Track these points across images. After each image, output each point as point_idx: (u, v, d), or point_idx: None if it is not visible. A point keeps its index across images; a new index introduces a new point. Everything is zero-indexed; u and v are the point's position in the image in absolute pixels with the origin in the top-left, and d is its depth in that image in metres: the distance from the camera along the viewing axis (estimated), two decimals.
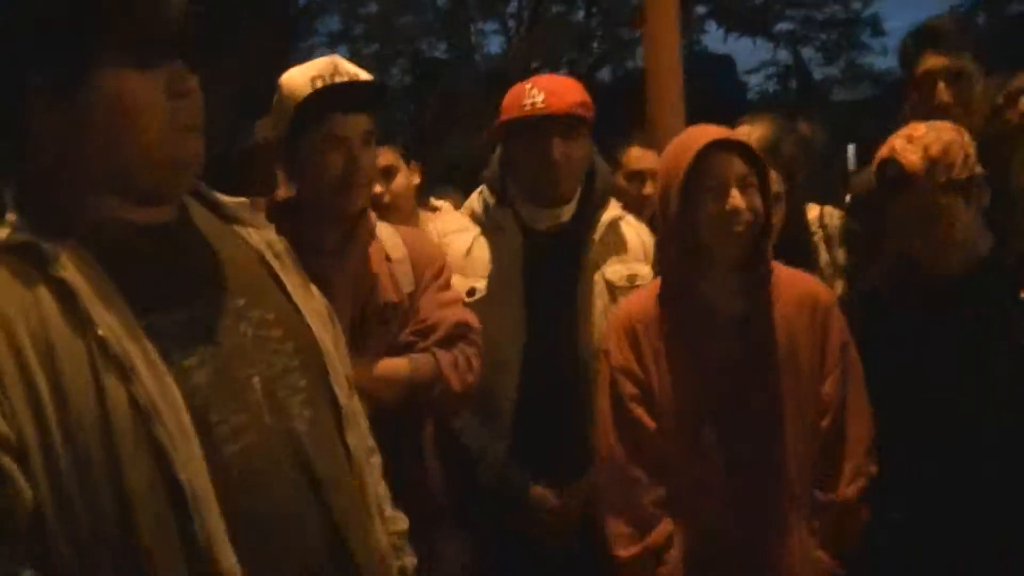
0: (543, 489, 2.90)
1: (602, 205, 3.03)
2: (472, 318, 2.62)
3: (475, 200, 3.09)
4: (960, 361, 2.58)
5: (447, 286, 2.67)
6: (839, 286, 3.60)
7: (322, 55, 2.50)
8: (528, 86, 2.88)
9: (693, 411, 2.49)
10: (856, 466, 2.49)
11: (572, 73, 18.78)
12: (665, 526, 2.49)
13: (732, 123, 3.98)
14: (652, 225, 3.14)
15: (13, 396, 1.29)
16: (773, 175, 2.60)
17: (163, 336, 1.40)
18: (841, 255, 3.91)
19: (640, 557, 2.48)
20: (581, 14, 20.92)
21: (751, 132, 3.33)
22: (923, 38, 3.11)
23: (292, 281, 1.68)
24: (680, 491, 2.50)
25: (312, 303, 1.71)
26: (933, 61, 3.07)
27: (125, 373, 1.34)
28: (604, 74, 21.39)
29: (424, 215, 3.61)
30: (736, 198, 2.41)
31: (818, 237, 4.14)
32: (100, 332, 1.34)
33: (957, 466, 2.54)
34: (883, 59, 21.91)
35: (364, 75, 2.46)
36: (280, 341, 1.56)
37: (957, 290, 2.62)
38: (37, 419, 1.30)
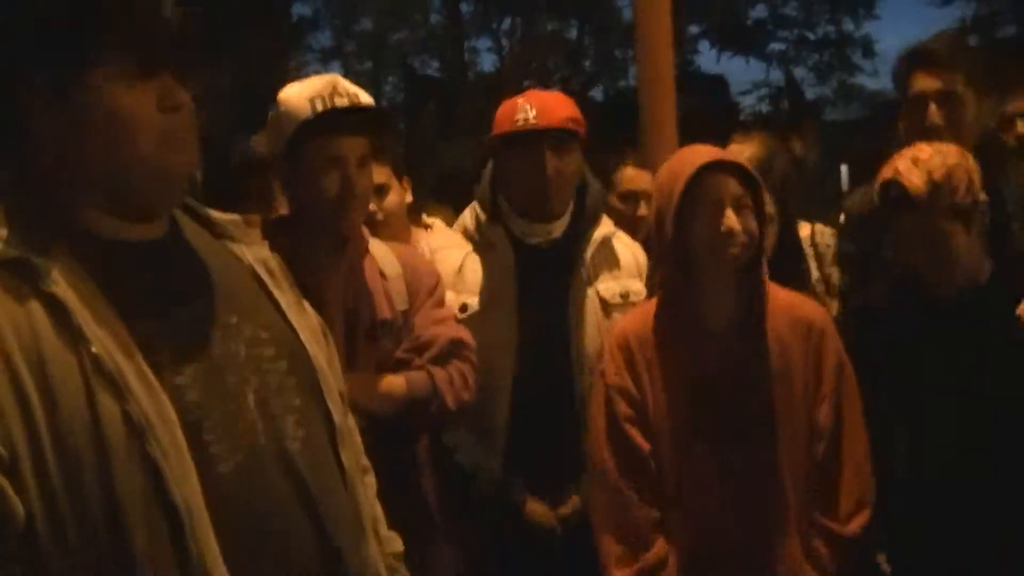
0: (538, 502, 2.89)
1: (594, 222, 3.04)
2: (467, 335, 2.62)
3: (467, 217, 3.10)
4: (957, 382, 2.57)
5: (441, 303, 2.67)
6: (833, 306, 3.61)
7: (315, 71, 2.50)
8: (520, 101, 2.89)
9: (687, 431, 2.48)
10: (858, 498, 2.49)
11: (565, 91, 18.81)
12: (660, 546, 2.48)
13: (724, 143, 3.99)
14: (646, 245, 3.14)
15: (6, 411, 1.28)
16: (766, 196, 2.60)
17: (156, 353, 1.39)
18: (834, 274, 3.92)
19: None
20: (574, 32, 21.01)
21: (742, 150, 3.34)
22: (916, 59, 3.12)
23: (286, 299, 1.67)
24: (674, 510, 2.49)
25: (306, 320, 1.70)
26: (925, 82, 3.07)
27: (119, 390, 1.33)
28: (596, 92, 21.47)
29: (416, 232, 3.61)
30: (731, 219, 2.41)
31: (809, 255, 4.15)
32: (93, 348, 1.33)
33: (956, 484, 2.53)
34: (874, 79, 22.02)
35: (364, 96, 2.45)
36: (274, 359, 1.56)
37: (956, 312, 2.62)
38: (29, 435, 1.28)
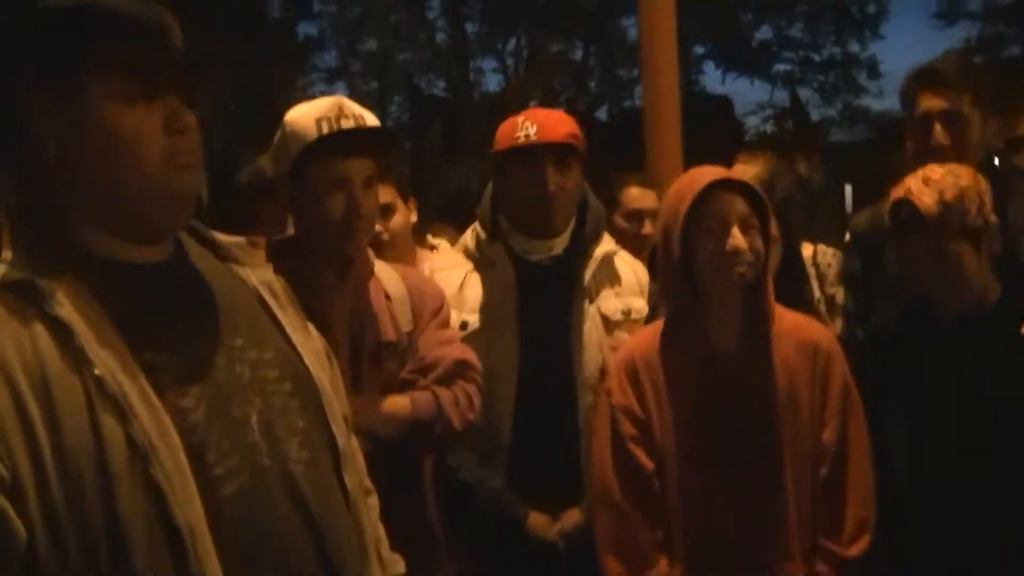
0: (540, 515, 2.88)
1: (595, 239, 3.04)
2: (472, 356, 2.61)
3: (468, 236, 3.11)
4: (964, 403, 2.56)
5: (446, 324, 2.67)
6: (836, 325, 3.61)
7: (320, 91, 2.51)
8: (521, 119, 2.91)
9: (692, 451, 2.48)
10: (860, 521, 2.48)
11: (570, 110, 18.86)
12: (663, 566, 2.47)
13: (729, 163, 4.01)
14: (650, 263, 3.14)
15: (8, 433, 1.28)
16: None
17: (160, 375, 1.39)
18: (838, 293, 3.92)
19: None
20: (580, 53, 21.06)
21: (747, 171, 3.34)
22: (923, 79, 3.13)
23: (290, 321, 1.66)
24: (678, 531, 2.49)
25: (310, 343, 1.70)
26: (931, 102, 3.08)
27: (122, 412, 1.32)
28: (601, 112, 21.53)
29: (422, 252, 3.61)
30: (737, 238, 2.41)
31: (811, 275, 4.16)
32: (97, 371, 1.33)
33: (960, 503, 2.53)
34: (879, 100, 22.07)
35: (370, 118, 2.46)
36: (277, 381, 1.55)
37: (964, 333, 2.61)
38: (32, 457, 1.28)
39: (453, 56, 20.51)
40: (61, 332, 1.34)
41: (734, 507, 2.45)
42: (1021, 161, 3.49)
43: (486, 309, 2.93)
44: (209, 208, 1.54)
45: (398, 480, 2.26)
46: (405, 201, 3.51)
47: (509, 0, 20.00)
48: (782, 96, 22.41)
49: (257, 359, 1.54)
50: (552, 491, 2.90)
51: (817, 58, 22.41)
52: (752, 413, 2.47)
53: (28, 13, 1.46)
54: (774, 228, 2.72)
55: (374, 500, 1.84)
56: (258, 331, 1.58)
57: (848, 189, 12.70)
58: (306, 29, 20.53)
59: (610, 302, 3.01)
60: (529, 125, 2.87)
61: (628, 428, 2.52)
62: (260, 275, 1.68)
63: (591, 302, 2.99)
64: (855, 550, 2.46)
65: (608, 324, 2.98)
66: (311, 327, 1.75)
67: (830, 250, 4.35)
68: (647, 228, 3.95)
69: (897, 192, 2.60)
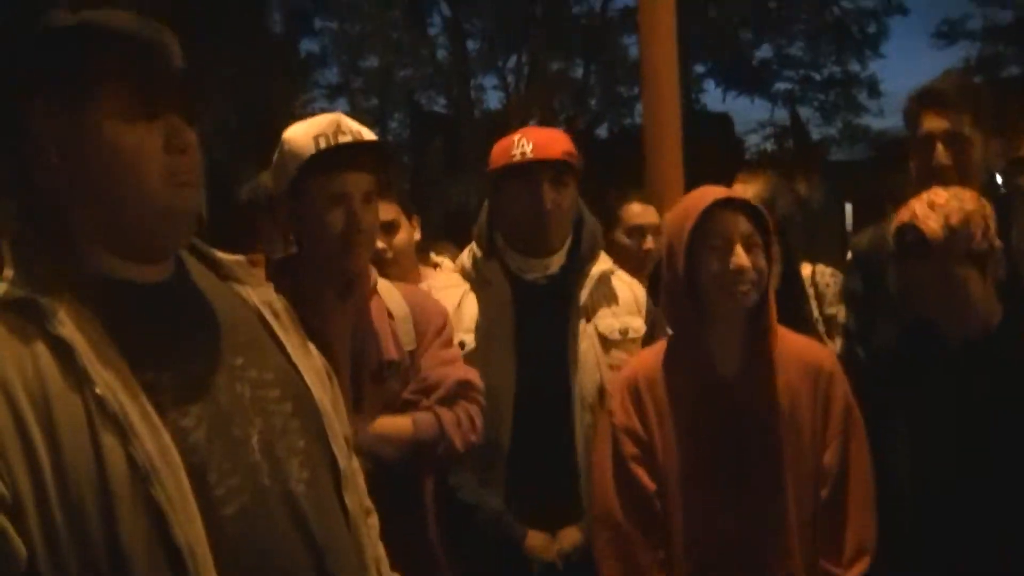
0: (539, 534, 2.87)
1: (591, 257, 3.03)
2: (474, 376, 2.60)
3: (465, 255, 3.10)
4: (966, 427, 2.56)
5: (449, 343, 2.66)
6: (836, 344, 3.60)
7: (321, 108, 2.51)
8: (517, 137, 2.91)
9: (694, 472, 2.47)
10: (860, 543, 2.47)
11: (570, 128, 18.92)
12: None
13: (729, 181, 4.01)
14: (653, 281, 3.14)
15: (9, 452, 1.27)
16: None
17: (161, 395, 1.39)
18: (840, 312, 3.92)
19: None
20: (580, 71, 21.11)
21: (746, 190, 3.34)
22: (925, 99, 3.13)
23: (291, 341, 1.66)
24: (679, 551, 2.48)
25: (310, 362, 1.70)
26: (933, 123, 3.08)
27: (123, 431, 1.32)
28: (602, 130, 21.57)
29: (425, 270, 3.60)
30: (740, 256, 2.41)
31: (809, 295, 4.16)
32: (98, 390, 1.32)
33: (963, 528, 2.52)
34: (880, 119, 22.11)
35: (367, 134, 2.46)
36: (278, 401, 1.55)
37: (967, 357, 2.61)
38: (33, 476, 1.28)
39: (454, 73, 20.56)
40: (62, 351, 1.33)
41: (735, 527, 2.45)
42: (1022, 183, 3.49)
43: (482, 328, 2.92)
44: (210, 225, 1.53)
45: (399, 500, 2.25)
46: (409, 219, 3.50)
47: (510, 18, 20.07)
48: (783, 115, 22.48)
49: (258, 379, 1.54)
50: (550, 510, 2.88)
51: (817, 77, 22.48)
52: (754, 434, 2.47)
53: (30, 32, 1.46)
54: (774, 246, 2.72)
55: (374, 520, 1.83)
56: (259, 351, 1.58)
57: (848, 208, 12.73)
58: (308, 46, 20.60)
59: (607, 321, 2.99)
60: (525, 143, 2.87)
61: (630, 448, 2.51)
62: (261, 294, 1.68)
63: (588, 321, 2.97)
64: (855, 572, 2.46)
65: (605, 343, 2.97)
66: (312, 346, 1.75)
67: (828, 270, 4.36)
68: (649, 244, 3.96)
69: (902, 216, 2.60)
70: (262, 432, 1.50)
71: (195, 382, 1.45)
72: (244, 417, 1.48)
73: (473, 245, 3.07)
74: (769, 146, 22.35)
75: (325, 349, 1.83)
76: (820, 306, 4.27)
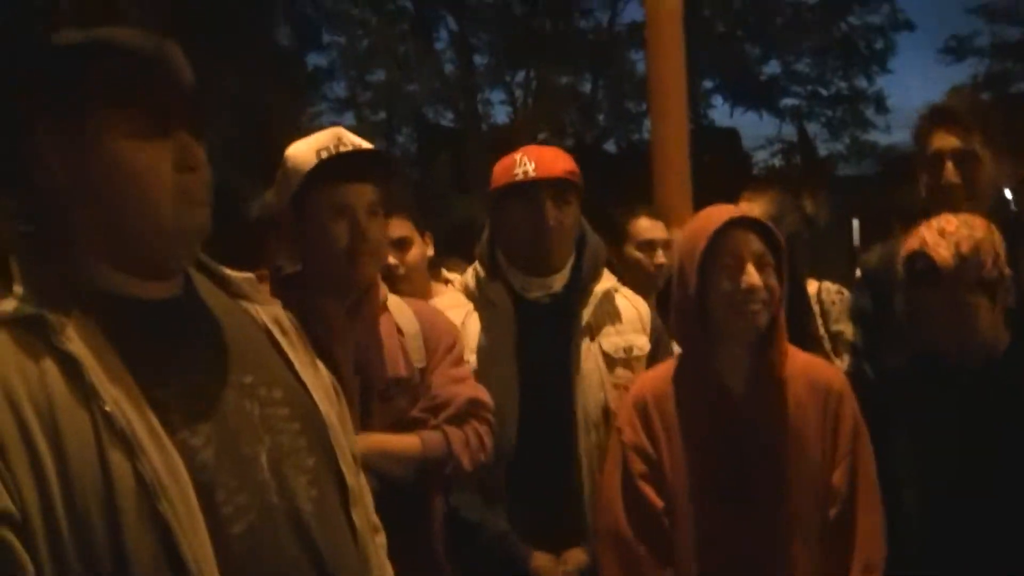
0: (543, 555, 2.85)
1: (594, 276, 3.02)
2: (484, 395, 2.59)
3: (468, 275, 3.09)
4: (970, 452, 2.55)
5: (460, 361, 2.64)
6: (841, 361, 3.59)
7: (329, 121, 2.50)
8: (518, 156, 2.90)
9: (702, 490, 2.47)
10: (867, 563, 2.46)
11: (578, 143, 18.94)
12: None
13: (736, 196, 4.01)
14: (663, 298, 3.12)
15: (17, 469, 1.27)
16: None
17: (169, 412, 1.39)
18: (846, 330, 3.91)
19: None
20: (588, 86, 21.13)
21: (752, 208, 3.34)
22: (936, 117, 3.13)
23: (298, 358, 1.66)
24: (687, 570, 2.47)
25: (318, 380, 1.69)
26: (943, 140, 3.08)
27: (131, 448, 1.32)
28: (610, 145, 21.59)
29: (437, 287, 3.60)
30: (752, 275, 2.41)
31: (816, 312, 4.15)
32: (106, 407, 1.32)
33: (969, 552, 2.51)
34: (887, 135, 22.10)
35: (368, 146, 2.45)
36: (287, 419, 1.55)
37: (972, 383, 2.61)
38: (40, 492, 1.28)
39: (461, 87, 20.58)
40: (70, 367, 1.33)
41: (743, 546, 2.44)
42: None
43: (486, 348, 2.90)
44: (219, 241, 1.53)
45: (406, 518, 2.24)
46: (421, 235, 3.50)
47: (517, 32, 20.10)
48: (790, 130, 22.48)
49: (266, 396, 1.53)
50: (554, 529, 2.87)
51: (825, 93, 22.48)
52: (763, 453, 2.47)
53: (37, 49, 1.46)
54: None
55: (382, 538, 1.83)
56: (267, 368, 1.58)
57: (856, 223, 12.72)
58: (315, 59, 20.65)
59: (611, 339, 2.98)
60: (527, 161, 2.86)
61: (638, 466, 2.51)
62: (269, 311, 1.68)
63: (592, 340, 2.96)
64: None
65: (610, 362, 2.95)
66: (320, 364, 1.75)
67: (834, 287, 4.37)
68: (660, 258, 3.97)
69: (911, 244, 2.60)
70: (270, 450, 1.49)
71: (204, 400, 1.45)
72: (253, 435, 1.48)
73: (476, 264, 3.06)
74: (777, 162, 22.37)
75: (333, 366, 1.82)
76: (826, 323, 4.28)
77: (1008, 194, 3.54)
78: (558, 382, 2.91)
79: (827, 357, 3.73)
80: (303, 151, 2.41)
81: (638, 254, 4.00)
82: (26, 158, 1.44)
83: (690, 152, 5.61)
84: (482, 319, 2.95)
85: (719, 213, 2.48)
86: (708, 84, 21.55)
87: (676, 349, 2.83)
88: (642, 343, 3.01)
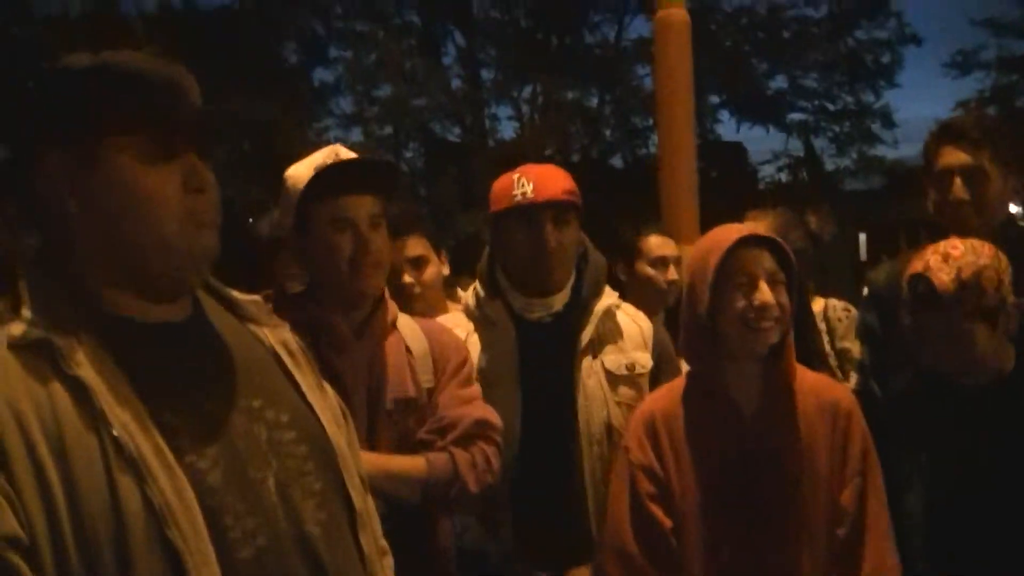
0: None
1: (595, 294, 3.00)
2: (492, 415, 2.56)
3: (469, 295, 3.08)
4: (977, 471, 2.55)
5: (468, 382, 2.61)
6: (848, 378, 3.58)
7: (336, 137, 2.51)
8: (516, 176, 2.89)
9: (711, 509, 2.46)
10: None
11: (585, 158, 18.94)
12: None
13: (743, 211, 4.01)
14: (672, 315, 3.12)
15: (25, 493, 1.27)
16: None
17: (177, 436, 1.38)
18: (853, 347, 3.91)
19: None
20: (595, 101, 21.14)
21: (757, 226, 3.33)
22: (945, 134, 3.13)
23: (306, 381, 1.66)
24: None
25: (326, 402, 1.69)
26: (952, 157, 3.08)
27: (139, 473, 1.32)
28: (616, 160, 21.58)
29: (452, 306, 3.59)
30: (765, 292, 2.41)
31: (822, 330, 4.15)
32: (114, 431, 1.32)
33: (973, 570, 2.51)
34: (894, 150, 22.08)
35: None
36: (294, 443, 1.54)
37: (979, 402, 2.60)
38: (49, 517, 1.28)
39: (468, 103, 20.59)
40: (79, 391, 1.33)
41: (752, 564, 2.43)
42: None
43: (487, 368, 2.89)
44: (228, 262, 1.53)
45: (413, 540, 2.22)
46: (438, 254, 3.49)
47: (524, 48, 20.13)
48: (797, 145, 22.46)
49: (274, 420, 1.53)
50: (558, 549, 2.85)
51: (831, 107, 22.47)
52: (772, 471, 2.45)
53: (46, 74, 1.46)
54: None
55: (389, 560, 1.82)
56: (275, 392, 1.58)
57: (862, 237, 12.73)
58: (322, 75, 20.69)
59: (614, 357, 2.97)
60: (526, 183, 2.85)
61: (646, 485, 2.50)
62: (277, 334, 1.68)
63: (595, 357, 2.95)
64: None
65: (612, 379, 2.94)
66: (327, 386, 1.75)
67: (840, 304, 4.38)
68: (672, 274, 3.97)
69: (915, 266, 2.60)
70: (278, 474, 1.49)
71: (212, 423, 1.45)
72: (260, 459, 1.48)
73: (477, 284, 3.05)
74: (783, 176, 22.35)
75: (340, 387, 1.82)
76: (832, 340, 4.28)
77: (1015, 209, 3.54)
78: (560, 401, 2.90)
79: (832, 374, 3.72)
80: (301, 169, 2.42)
81: (650, 271, 4.01)
82: (35, 181, 1.44)
83: (697, 166, 5.60)
84: (482, 339, 2.94)
85: (730, 232, 2.48)
86: (715, 99, 21.56)
87: (684, 367, 2.82)
88: (644, 360, 3.00)
